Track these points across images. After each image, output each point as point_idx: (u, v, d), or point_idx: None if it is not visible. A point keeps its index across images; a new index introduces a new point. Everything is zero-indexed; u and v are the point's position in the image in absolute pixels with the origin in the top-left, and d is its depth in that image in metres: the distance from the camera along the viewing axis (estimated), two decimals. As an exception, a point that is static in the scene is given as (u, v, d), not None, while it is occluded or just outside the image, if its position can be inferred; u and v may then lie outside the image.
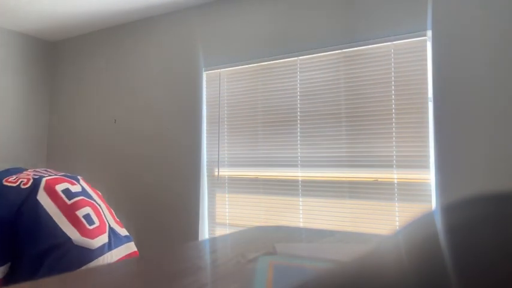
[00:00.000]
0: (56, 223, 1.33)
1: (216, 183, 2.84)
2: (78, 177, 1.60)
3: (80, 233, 1.35)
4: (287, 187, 2.54)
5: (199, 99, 2.95)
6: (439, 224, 0.17)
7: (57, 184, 1.45)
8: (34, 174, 1.48)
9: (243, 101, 2.75)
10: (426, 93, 2.17)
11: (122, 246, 1.48)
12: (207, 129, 2.92)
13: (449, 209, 0.18)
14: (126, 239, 1.54)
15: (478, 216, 0.17)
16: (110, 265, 0.48)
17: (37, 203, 1.35)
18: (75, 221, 1.36)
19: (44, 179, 1.44)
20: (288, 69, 2.59)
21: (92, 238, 1.37)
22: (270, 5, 2.71)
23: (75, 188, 1.48)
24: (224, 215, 2.76)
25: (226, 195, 2.78)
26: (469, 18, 2.08)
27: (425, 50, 2.19)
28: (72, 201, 1.42)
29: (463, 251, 0.15)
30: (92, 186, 1.61)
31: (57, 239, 1.30)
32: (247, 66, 2.76)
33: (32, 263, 1.29)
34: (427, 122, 2.16)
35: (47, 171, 1.58)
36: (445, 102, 2.11)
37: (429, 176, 2.13)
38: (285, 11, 2.64)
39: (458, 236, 0.16)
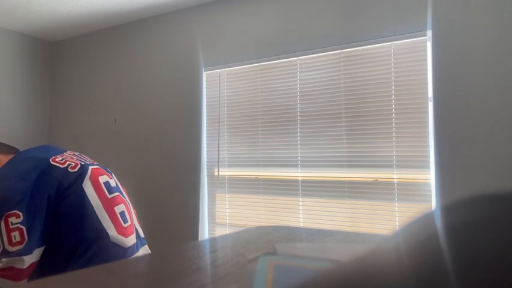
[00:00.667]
0: (97, 216, 1.29)
1: (216, 183, 2.84)
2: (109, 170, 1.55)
3: (116, 230, 1.31)
4: (287, 187, 2.54)
5: (199, 99, 2.95)
6: (439, 224, 0.17)
7: (100, 175, 1.40)
8: (79, 159, 1.43)
9: (243, 101, 2.75)
10: (426, 93, 2.17)
11: (142, 248, 1.45)
12: (207, 129, 2.92)
13: (449, 209, 0.18)
14: (144, 241, 1.52)
15: (478, 216, 0.17)
16: (109, 265, 0.48)
17: (82, 191, 1.30)
18: (113, 217, 1.32)
19: (90, 168, 1.39)
20: (288, 69, 2.59)
21: (126, 236, 1.33)
22: (270, 5, 2.71)
23: (112, 182, 1.44)
24: (224, 215, 2.76)
25: (226, 195, 2.78)
26: (469, 18, 2.08)
27: (425, 50, 2.19)
28: (112, 196, 1.38)
29: (463, 251, 0.15)
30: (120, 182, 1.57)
31: (98, 233, 1.26)
32: (247, 66, 2.76)
33: (68, 253, 1.24)
34: (427, 122, 2.16)
35: (84, 157, 1.53)
36: (445, 102, 2.11)
37: (429, 176, 2.13)
38: (285, 11, 2.64)
39: (458, 236, 0.16)
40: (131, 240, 1.36)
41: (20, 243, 1.18)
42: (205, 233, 2.85)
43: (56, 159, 1.37)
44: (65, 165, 1.36)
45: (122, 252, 1.30)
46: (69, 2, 2.98)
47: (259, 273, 0.41)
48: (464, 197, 0.19)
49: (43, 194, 1.26)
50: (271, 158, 2.61)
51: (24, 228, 1.19)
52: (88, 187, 1.32)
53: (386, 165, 2.24)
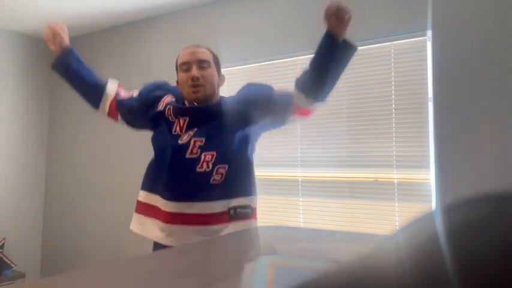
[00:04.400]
0: None
1: (216, 183, 2.84)
2: None
3: None
4: (287, 187, 2.54)
5: (199, 99, 2.95)
6: (439, 224, 0.17)
7: None
8: None
9: (243, 101, 2.74)
10: (426, 93, 2.17)
11: None
12: (207, 129, 2.91)
13: (449, 209, 0.18)
14: None
15: (478, 216, 0.17)
16: (110, 265, 0.48)
17: None
18: None
19: None
20: (288, 69, 2.59)
21: None
22: (270, 5, 2.71)
23: None
24: (224, 215, 2.76)
25: (226, 195, 2.78)
26: (469, 18, 2.08)
27: (425, 50, 2.19)
28: None
29: (463, 251, 0.15)
30: None
31: None
32: (247, 66, 2.76)
33: None
34: (427, 122, 2.16)
35: None
36: (445, 102, 2.11)
37: (429, 176, 2.13)
38: (285, 11, 2.64)
39: (458, 236, 0.16)
40: None
41: None
42: (205, 233, 2.84)
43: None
44: None
45: None
46: (69, 2, 2.98)
47: (259, 273, 0.41)
48: (464, 197, 0.19)
49: None
50: (271, 158, 2.61)
51: None
52: None
53: (386, 165, 2.24)
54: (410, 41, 2.22)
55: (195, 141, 1.48)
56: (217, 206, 1.44)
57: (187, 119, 1.52)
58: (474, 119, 2.03)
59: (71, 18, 3.29)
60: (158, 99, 1.66)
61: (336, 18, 1.54)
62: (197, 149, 1.48)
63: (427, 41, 2.18)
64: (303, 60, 2.54)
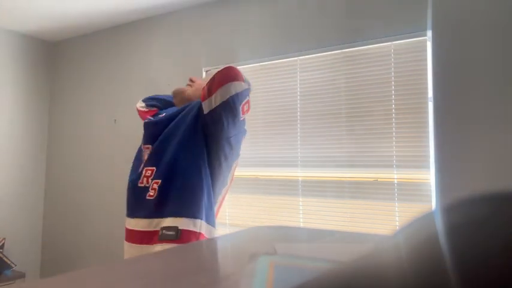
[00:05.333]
0: None
1: (216, 183, 2.84)
2: None
3: None
4: (287, 187, 2.54)
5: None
6: (438, 224, 0.17)
7: None
8: None
9: (243, 101, 2.74)
10: (426, 93, 2.17)
11: None
12: (207, 129, 2.91)
13: (449, 209, 0.18)
14: None
15: (478, 216, 0.17)
16: (110, 265, 0.48)
17: None
18: None
19: None
20: (288, 69, 2.59)
21: None
22: (270, 5, 2.71)
23: None
24: (224, 215, 2.76)
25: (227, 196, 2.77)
26: (469, 18, 2.08)
27: (425, 50, 2.18)
28: None
29: (462, 251, 0.15)
30: None
31: None
32: (247, 66, 2.76)
33: None
34: (427, 122, 2.15)
35: None
36: (445, 102, 2.11)
37: (429, 176, 2.13)
38: (285, 11, 2.64)
39: (458, 236, 0.16)
40: None
41: None
42: (205, 233, 2.84)
43: None
44: None
45: None
46: (69, 2, 2.98)
47: (259, 273, 0.41)
48: (464, 197, 0.19)
49: None
50: (271, 158, 2.61)
51: None
52: None
53: (386, 165, 2.24)
54: (410, 41, 2.22)
55: (146, 158, 1.48)
56: (150, 224, 1.36)
57: (145, 132, 1.59)
58: (474, 119, 2.03)
59: (71, 18, 3.29)
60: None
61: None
62: (142, 165, 1.47)
63: (427, 41, 2.18)
64: (302, 60, 2.54)
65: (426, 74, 2.17)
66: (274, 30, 2.67)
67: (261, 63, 2.70)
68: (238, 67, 2.77)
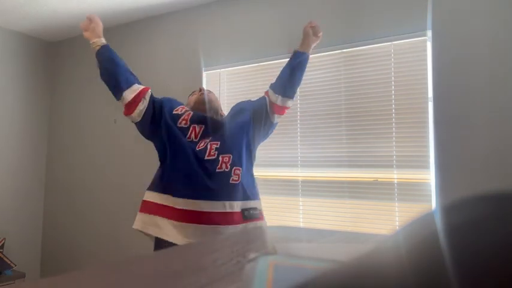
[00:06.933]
0: None
1: (216, 183, 2.84)
2: None
3: None
4: (287, 187, 2.54)
5: (199, 99, 2.95)
6: (439, 224, 0.17)
7: None
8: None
9: (243, 101, 2.74)
10: (426, 93, 2.17)
11: None
12: (207, 129, 2.91)
13: (449, 209, 0.18)
14: None
15: (478, 216, 0.17)
16: (110, 265, 0.48)
17: None
18: None
19: None
20: (288, 69, 2.59)
21: None
22: (270, 5, 2.71)
23: None
24: (224, 215, 2.76)
25: (226, 195, 2.77)
26: (469, 19, 2.08)
27: (425, 50, 2.19)
28: None
29: (463, 251, 0.15)
30: None
31: None
32: (247, 66, 2.76)
33: None
34: (427, 122, 2.15)
35: None
36: (445, 102, 2.11)
37: (429, 176, 2.13)
38: (285, 11, 2.64)
39: (458, 236, 0.16)
40: None
41: None
42: (205, 233, 2.84)
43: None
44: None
45: None
46: (69, 2, 2.98)
47: (259, 273, 0.41)
48: (464, 197, 0.19)
49: None
50: (271, 158, 2.61)
51: None
52: None
53: (386, 165, 2.24)
54: (410, 41, 2.22)
55: (211, 145, 1.61)
56: (235, 206, 1.55)
57: (203, 127, 1.67)
58: (474, 119, 2.03)
59: (71, 18, 3.29)
60: (176, 105, 1.82)
61: (313, 32, 1.89)
62: (214, 151, 1.59)
63: (427, 41, 2.18)
64: (303, 60, 2.54)
65: (426, 74, 2.17)
66: (274, 30, 2.67)
67: (261, 63, 2.70)
68: (238, 67, 2.78)
